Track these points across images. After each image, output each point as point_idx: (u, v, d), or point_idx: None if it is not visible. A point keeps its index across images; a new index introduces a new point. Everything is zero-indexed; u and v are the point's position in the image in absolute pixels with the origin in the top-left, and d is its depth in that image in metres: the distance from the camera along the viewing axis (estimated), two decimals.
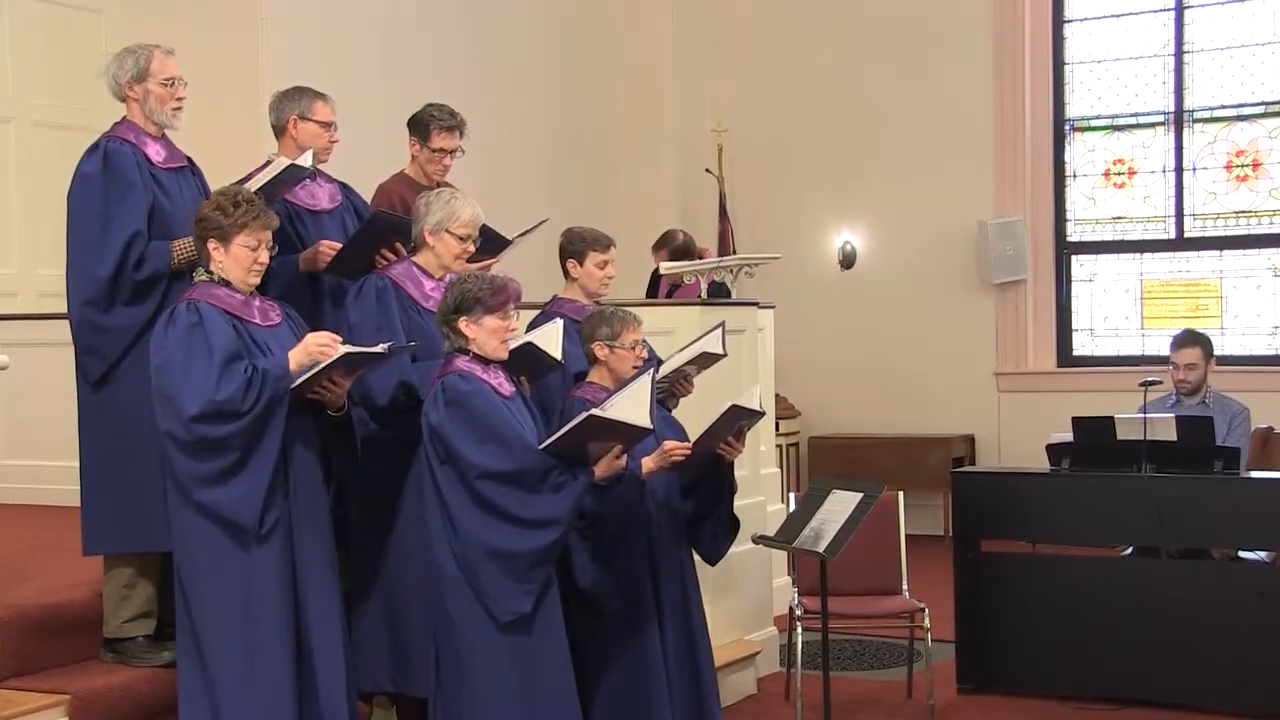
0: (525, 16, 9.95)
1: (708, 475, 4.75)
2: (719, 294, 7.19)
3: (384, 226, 4.77)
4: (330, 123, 4.89)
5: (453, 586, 4.17)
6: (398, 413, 4.50)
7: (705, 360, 5.02)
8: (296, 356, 4.06)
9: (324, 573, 4.21)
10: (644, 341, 4.82)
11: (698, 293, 7.25)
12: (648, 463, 4.48)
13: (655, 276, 8.02)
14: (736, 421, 4.62)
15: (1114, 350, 10.22)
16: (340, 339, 4.13)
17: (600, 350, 4.69)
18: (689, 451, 4.52)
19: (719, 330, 5.03)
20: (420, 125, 5.32)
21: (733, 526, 4.89)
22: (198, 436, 3.94)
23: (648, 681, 4.57)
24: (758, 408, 4.71)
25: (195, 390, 3.94)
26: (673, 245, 8.09)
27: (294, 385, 4.04)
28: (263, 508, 4.00)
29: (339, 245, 4.77)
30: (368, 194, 5.32)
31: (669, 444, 4.48)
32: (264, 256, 4.19)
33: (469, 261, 4.96)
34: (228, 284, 4.16)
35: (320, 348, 4.05)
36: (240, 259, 4.13)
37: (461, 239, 4.72)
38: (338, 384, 4.12)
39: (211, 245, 4.14)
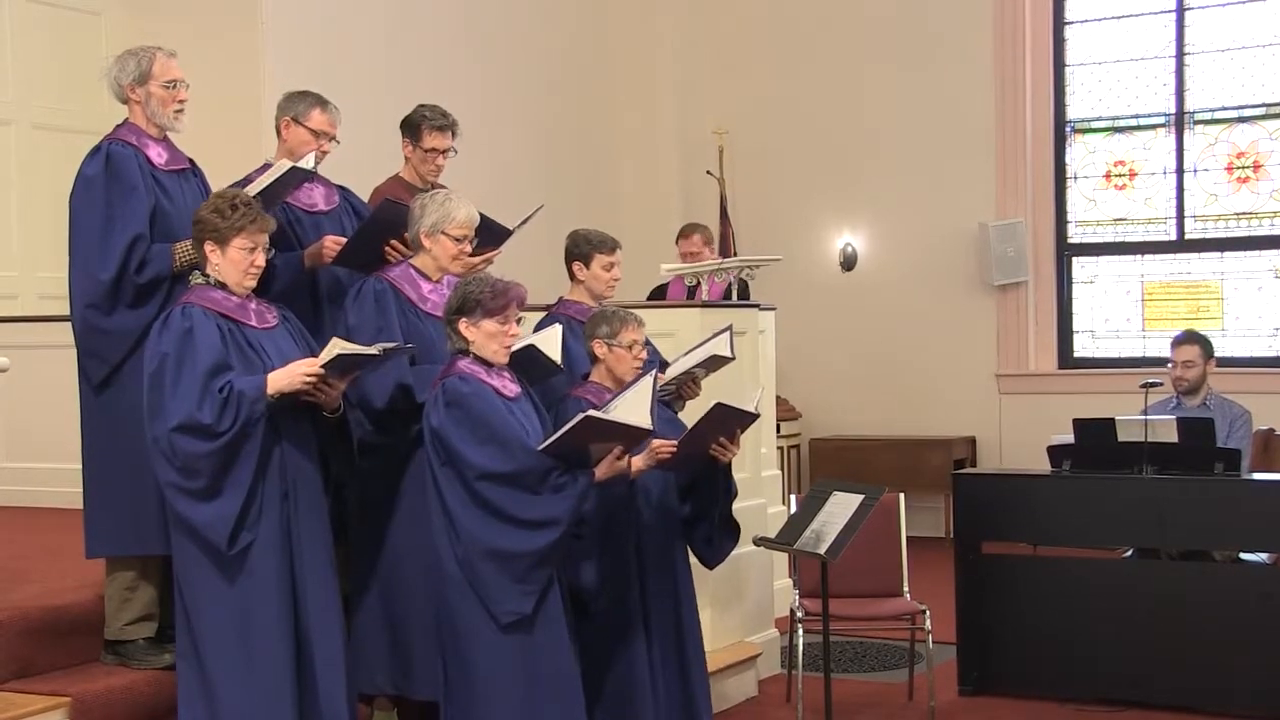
0: (526, 18, 9.96)
1: (704, 477, 4.74)
2: (726, 296, 7.17)
3: (393, 215, 4.76)
4: (321, 132, 4.85)
5: (454, 587, 4.17)
6: (395, 416, 4.50)
7: (714, 363, 5.02)
8: (278, 381, 4.02)
9: (323, 575, 4.20)
10: (647, 342, 4.82)
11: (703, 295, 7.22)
12: (637, 461, 4.47)
13: (660, 285, 8.00)
14: (725, 422, 4.59)
15: (1115, 352, 10.22)
16: (324, 361, 4.08)
17: (599, 348, 4.69)
18: (674, 449, 4.51)
19: (727, 333, 5.04)
20: (412, 126, 5.33)
21: (731, 530, 4.87)
22: (176, 448, 3.94)
23: (631, 684, 4.57)
24: (753, 410, 4.69)
25: (180, 402, 3.94)
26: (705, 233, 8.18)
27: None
28: (234, 529, 3.98)
29: (343, 240, 4.77)
30: (367, 195, 5.32)
31: (656, 442, 4.46)
32: (260, 259, 4.19)
33: (472, 253, 4.97)
34: (224, 286, 4.16)
35: (306, 379, 4.03)
36: (237, 262, 4.13)
37: (458, 240, 4.71)
38: (333, 386, 4.12)
39: (208, 248, 4.14)
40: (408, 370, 4.50)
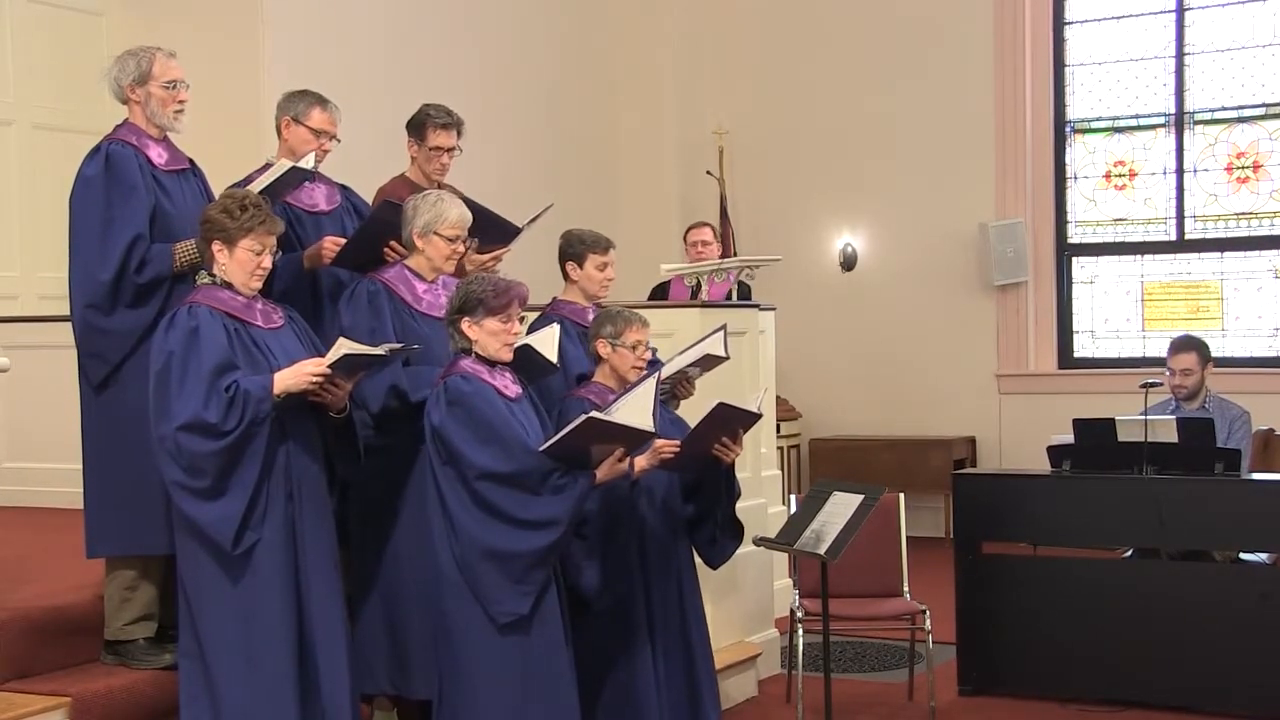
0: (526, 19, 9.96)
1: (708, 477, 4.74)
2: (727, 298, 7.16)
3: (391, 216, 4.76)
4: (322, 131, 4.86)
5: (452, 587, 4.17)
6: (390, 418, 4.50)
7: (708, 362, 5.02)
8: (284, 380, 4.02)
9: (327, 574, 4.20)
10: (648, 344, 4.81)
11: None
12: (639, 461, 4.46)
13: (662, 284, 8.00)
14: (727, 422, 4.58)
15: (1115, 352, 10.22)
16: (331, 361, 4.08)
17: (603, 348, 4.70)
18: (677, 449, 4.51)
19: (721, 332, 5.04)
20: (417, 125, 5.34)
21: (735, 531, 4.87)
22: (181, 447, 3.93)
23: (634, 685, 4.56)
24: (755, 410, 4.69)
25: (186, 401, 3.94)
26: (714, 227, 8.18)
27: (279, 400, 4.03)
28: (238, 529, 3.98)
29: (343, 240, 4.77)
30: (368, 195, 5.32)
31: (659, 441, 4.45)
32: (267, 261, 4.18)
33: (481, 250, 4.97)
34: (230, 286, 4.16)
35: (313, 379, 4.03)
36: (244, 263, 4.13)
37: (451, 240, 4.71)
38: (339, 386, 4.12)
39: (216, 247, 4.14)
40: (401, 373, 4.49)
